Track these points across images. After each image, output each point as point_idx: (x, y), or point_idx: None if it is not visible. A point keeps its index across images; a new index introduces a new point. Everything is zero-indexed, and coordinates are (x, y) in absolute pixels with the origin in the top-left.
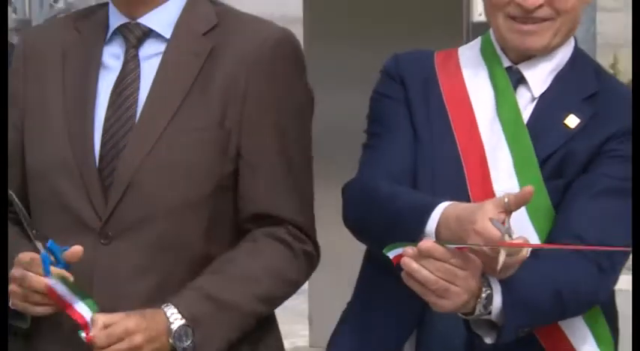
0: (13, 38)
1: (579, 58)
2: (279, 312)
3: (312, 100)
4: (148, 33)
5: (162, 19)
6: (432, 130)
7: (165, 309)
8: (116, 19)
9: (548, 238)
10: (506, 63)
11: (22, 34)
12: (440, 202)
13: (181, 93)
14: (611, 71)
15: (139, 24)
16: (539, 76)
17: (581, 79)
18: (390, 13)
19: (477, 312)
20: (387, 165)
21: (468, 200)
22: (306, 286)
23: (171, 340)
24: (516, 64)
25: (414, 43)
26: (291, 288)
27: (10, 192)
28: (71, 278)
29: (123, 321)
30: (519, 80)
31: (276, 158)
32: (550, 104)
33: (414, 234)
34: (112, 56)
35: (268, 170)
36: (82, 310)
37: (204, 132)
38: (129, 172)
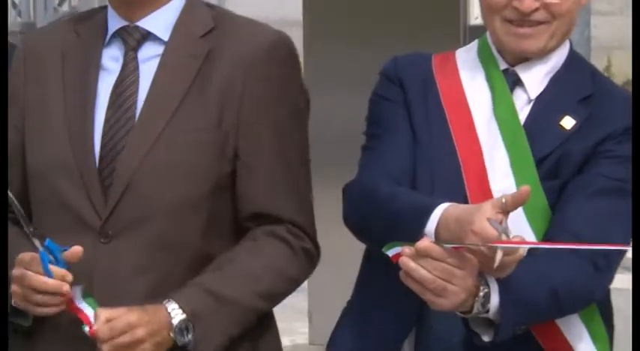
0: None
1: (574, 61)
2: (279, 309)
3: (308, 101)
4: (147, 36)
5: (160, 22)
6: (431, 131)
7: (166, 304)
8: (115, 22)
9: (545, 237)
10: (503, 65)
11: (23, 37)
12: (439, 204)
13: (179, 94)
14: (605, 74)
15: (137, 27)
16: (536, 78)
17: (576, 81)
18: (389, 15)
19: (474, 310)
20: (387, 166)
21: (466, 199)
22: (305, 284)
23: (172, 335)
24: (513, 66)
25: (412, 45)
26: (291, 285)
27: (7, 191)
28: (70, 277)
29: (125, 315)
30: (516, 82)
31: (274, 158)
32: (546, 106)
33: (414, 235)
34: (111, 58)
35: (266, 170)
36: (84, 307)
37: (202, 133)
38: (128, 173)
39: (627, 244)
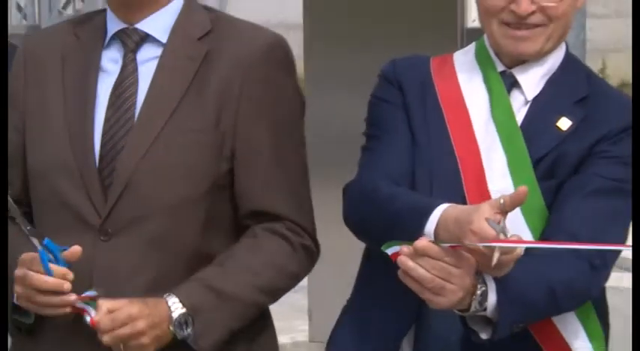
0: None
1: (570, 63)
2: (279, 308)
3: (304, 102)
4: (145, 38)
5: (158, 25)
6: (429, 133)
7: (167, 298)
8: (114, 24)
9: (542, 237)
10: (500, 67)
11: (23, 40)
12: (438, 204)
13: (178, 95)
14: (600, 76)
15: (136, 29)
16: (532, 80)
17: (572, 83)
18: (388, 18)
19: (472, 309)
20: (386, 167)
21: (464, 200)
22: (305, 282)
23: (171, 328)
24: (510, 68)
25: (411, 48)
26: (291, 280)
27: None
28: (71, 275)
29: (126, 307)
30: (513, 84)
31: (271, 158)
32: (543, 107)
33: (413, 235)
34: (111, 60)
35: (263, 170)
36: (88, 308)
37: (199, 133)
38: (128, 172)
39: (623, 243)
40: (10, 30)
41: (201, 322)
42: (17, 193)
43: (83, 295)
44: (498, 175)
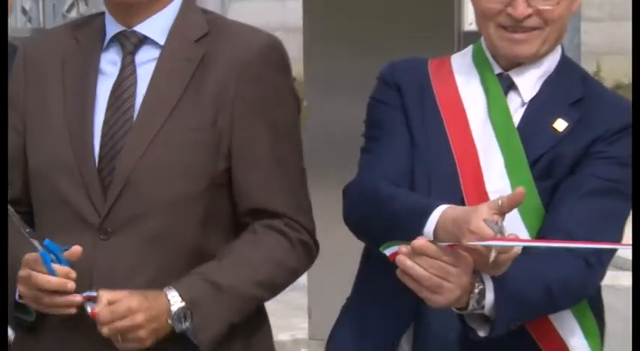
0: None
1: (566, 65)
2: (279, 306)
3: (299, 101)
4: (143, 40)
5: (156, 27)
6: (427, 134)
7: (166, 291)
8: (113, 27)
9: (538, 237)
10: (497, 70)
11: (23, 44)
12: (438, 205)
13: (175, 96)
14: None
15: (134, 31)
16: (529, 82)
17: (568, 85)
18: (387, 22)
19: (470, 307)
20: (385, 167)
21: (462, 200)
22: (305, 281)
23: (170, 321)
24: (507, 70)
25: (409, 50)
26: (290, 276)
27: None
28: (74, 274)
29: (126, 299)
30: (510, 86)
31: (268, 157)
32: (539, 109)
33: (413, 235)
34: (110, 62)
35: (260, 169)
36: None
37: (197, 132)
38: (127, 171)
39: (618, 242)
40: (15, 33)
41: (201, 315)
42: (18, 193)
43: (84, 294)
44: (496, 175)
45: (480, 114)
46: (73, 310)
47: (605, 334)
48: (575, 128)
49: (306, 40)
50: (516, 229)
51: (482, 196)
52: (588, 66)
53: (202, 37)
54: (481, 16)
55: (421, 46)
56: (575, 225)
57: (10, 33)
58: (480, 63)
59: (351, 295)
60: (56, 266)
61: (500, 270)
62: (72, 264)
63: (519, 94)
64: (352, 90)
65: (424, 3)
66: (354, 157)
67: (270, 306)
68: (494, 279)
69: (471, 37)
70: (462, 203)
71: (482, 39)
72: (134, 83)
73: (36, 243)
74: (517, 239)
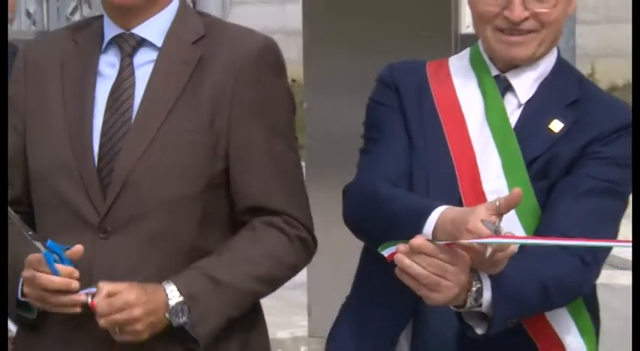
0: None
1: (562, 67)
2: (279, 304)
3: (294, 101)
4: (142, 42)
5: (154, 29)
6: (425, 136)
7: (165, 285)
8: (111, 29)
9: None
10: (494, 72)
11: (22, 46)
12: (436, 206)
13: (173, 98)
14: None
15: (132, 34)
16: (525, 84)
17: (564, 87)
18: (386, 24)
19: (468, 305)
20: (384, 168)
21: (460, 201)
22: (305, 279)
23: (167, 315)
24: (503, 72)
25: (407, 53)
26: (289, 271)
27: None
28: (77, 274)
29: (125, 292)
30: (507, 88)
31: (265, 157)
32: (535, 110)
33: (412, 236)
34: (108, 65)
35: (258, 168)
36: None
37: (194, 133)
38: (125, 172)
39: (614, 240)
40: (20, 36)
41: (199, 310)
42: (18, 193)
43: (86, 291)
44: (493, 176)
45: (478, 116)
46: (78, 309)
47: (601, 333)
48: (571, 129)
49: (305, 43)
50: (513, 228)
51: (480, 196)
52: (583, 68)
53: (199, 39)
54: (478, 19)
55: (419, 48)
56: (570, 224)
57: (15, 36)
58: (477, 65)
59: (350, 294)
60: (59, 266)
61: (497, 268)
62: (74, 263)
63: (516, 96)
64: (351, 91)
65: (422, 6)
66: (353, 158)
67: (269, 303)
68: (491, 277)
69: (468, 40)
70: (460, 204)
71: (479, 42)
72: (132, 85)
73: (39, 245)
74: (513, 236)
